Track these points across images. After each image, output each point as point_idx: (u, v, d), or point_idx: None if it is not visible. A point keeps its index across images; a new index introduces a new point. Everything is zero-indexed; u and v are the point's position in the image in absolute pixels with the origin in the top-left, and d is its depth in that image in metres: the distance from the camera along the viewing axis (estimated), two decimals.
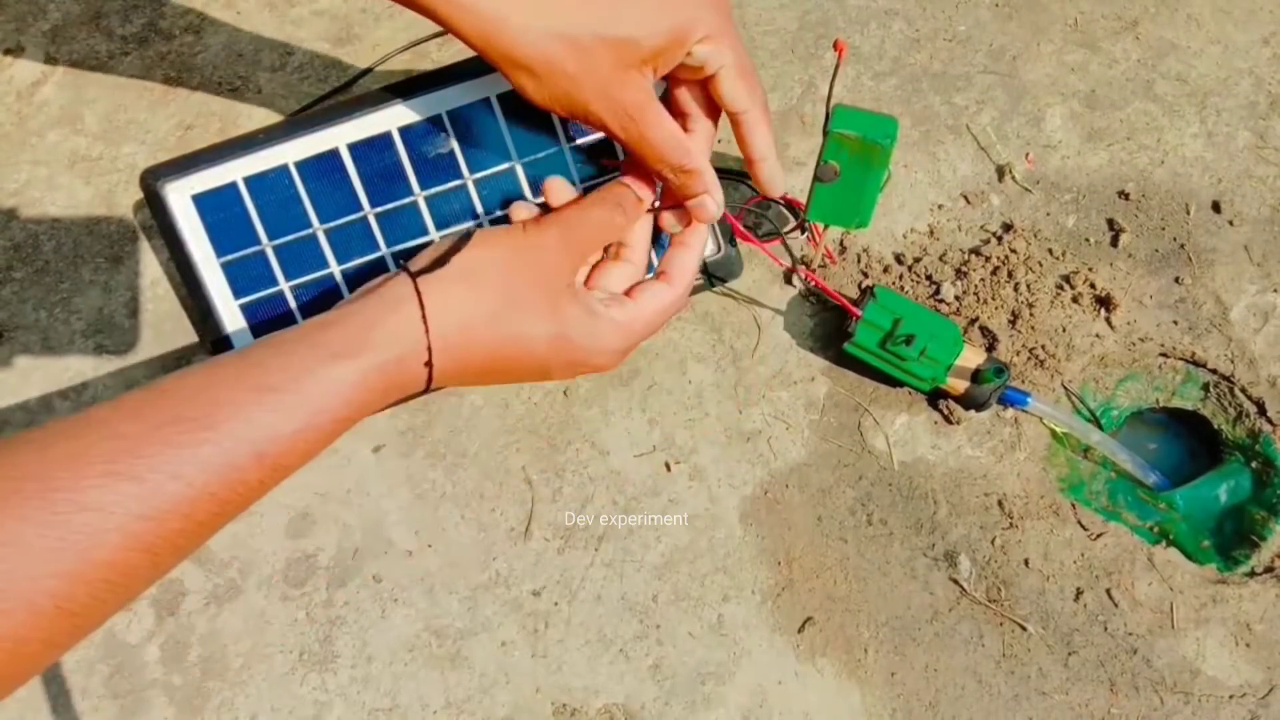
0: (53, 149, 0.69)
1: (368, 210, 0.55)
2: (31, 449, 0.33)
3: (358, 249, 0.55)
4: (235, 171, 0.53)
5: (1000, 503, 0.60)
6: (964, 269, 0.64)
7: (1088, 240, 0.66)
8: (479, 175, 0.55)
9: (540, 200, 0.52)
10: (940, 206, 0.67)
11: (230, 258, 0.54)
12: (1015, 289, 0.63)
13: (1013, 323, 0.63)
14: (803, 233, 0.64)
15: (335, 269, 0.55)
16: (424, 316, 0.40)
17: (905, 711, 0.56)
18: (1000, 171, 0.68)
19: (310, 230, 0.54)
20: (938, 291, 0.64)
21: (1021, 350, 0.62)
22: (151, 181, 0.52)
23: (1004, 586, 0.58)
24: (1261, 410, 0.62)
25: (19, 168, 0.68)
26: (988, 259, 0.64)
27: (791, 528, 0.60)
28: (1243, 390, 0.62)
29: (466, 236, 0.44)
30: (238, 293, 0.55)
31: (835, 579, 0.59)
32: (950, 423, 0.61)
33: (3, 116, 0.70)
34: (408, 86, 0.53)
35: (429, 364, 0.41)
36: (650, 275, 0.51)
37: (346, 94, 0.70)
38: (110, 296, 0.65)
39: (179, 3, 0.73)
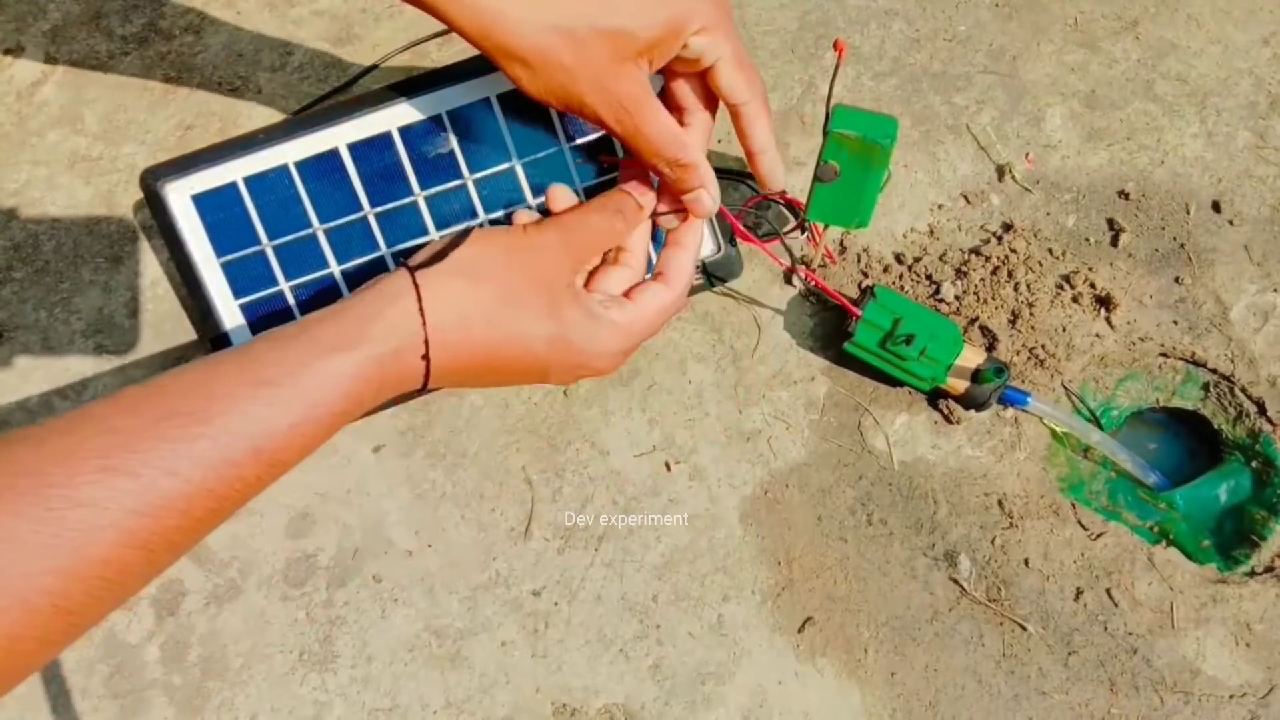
0: (53, 149, 0.69)
1: (368, 210, 0.55)
2: (26, 445, 0.33)
3: (358, 249, 0.55)
4: (235, 171, 0.53)
5: (1000, 503, 0.60)
6: (964, 269, 0.64)
7: (1088, 240, 0.66)
8: (479, 175, 0.55)
9: (540, 201, 0.52)
10: (940, 206, 0.67)
11: (230, 258, 0.54)
12: (1015, 289, 0.63)
13: (1013, 323, 0.63)
14: (803, 233, 0.64)
15: (335, 269, 0.55)
16: (421, 309, 0.40)
17: (905, 711, 0.56)
18: (1000, 171, 0.68)
19: (310, 230, 0.54)
20: (938, 291, 0.64)
21: (1021, 350, 0.62)
22: (151, 181, 0.52)
23: (1004, 586, 0.58)
24: (1261, 410, 0.62)
25: (19, 168, 0.68)
26: (988, 259, 0.64)
27: (791, 528, 0.60)
28: (1243, 390, 0.62)
29: (465, 233, 0.44)
30: (238, 293, 0.55)
31: (835, 579, 0.59)
32: (950, 423, 0.61)
33: (3, 116, 0.70)
34: (408, 86, 0.53)
35: (426, 357, 0.40)
36: (648, 276, 0.51)
37: (346, 94, 0.70)
38: (110, 296, 0.65)
39: (179, 3, 0.73)
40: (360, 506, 0.61)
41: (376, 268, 0.55)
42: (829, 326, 0.64)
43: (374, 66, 0.70)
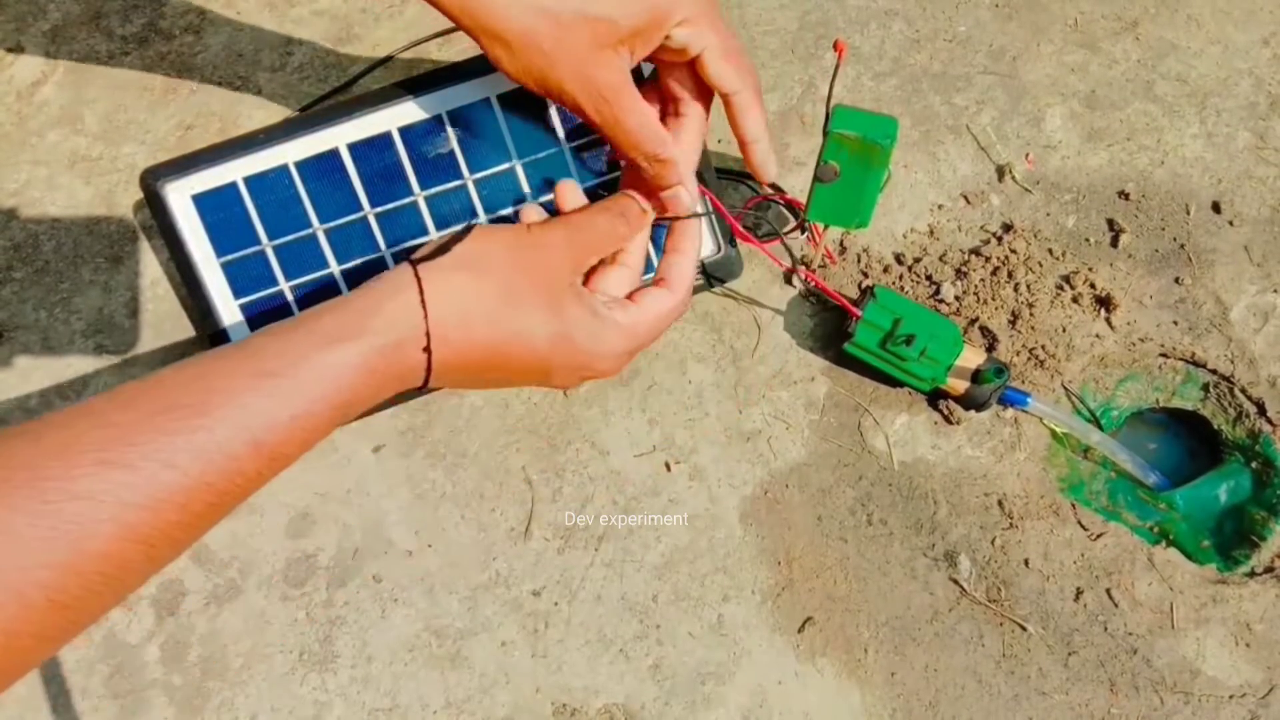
0: (53, 149, 0.69)
1: (368, 210, 0.55)
2: (23, 440, 0.32)
3: (358, 249, 0.55)
4: (235, 171, 0.53)
5: (1000, 503, 0.60)
6: (964, 269, 0.64)
7: (1088, 240, 0.66)
8: (479, 175, 0.55)
9: (547, 199, 0.52)
10: (940, 206, 0.67)
11: (230, 257, 0.54)
12: (1015, 289, 0.63)
13: (1013, 323, 0.63)
14: (803, 233, 0.64)
15: (335, 269, 0.55)
16: (423, 302, 0.40)
17: (905, 711, 0.56)
18: (1000, 171, 0.68)
19: (310, 230, 0.54)
20: (938, 291, 0.64)
21: (1021, 350, 0.62)
22: (151, 181, 0.52)
23: (1004, 586, 0.58)
24: (1261, 410, 0.62)
25: (19, 168, 0.68)
26: (988, 259, 0.64)
27: (791, 528, 0.60)
28: (1243, 390, 0.62)
29: (467, 229, 0.43)
30: (238, 292, 0.55)
31: (835, 579, 0.59)
32: (950, 423, 0.61)
33: (3, 116, 0.70)
34: (408, 86, 0.53)
35: (427, 350, 0.40)
36: (649, 278, 0.51)
37: (346, 94, 0.70)
38: (110, 296, 0.65)
39: (179, 3, 0.73)
40: (360, 506, 0.61)
41: (376, 268, 0.55)
42: (829, 326, 0.64)
43: (374, 66, 0.70)
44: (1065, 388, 0.63)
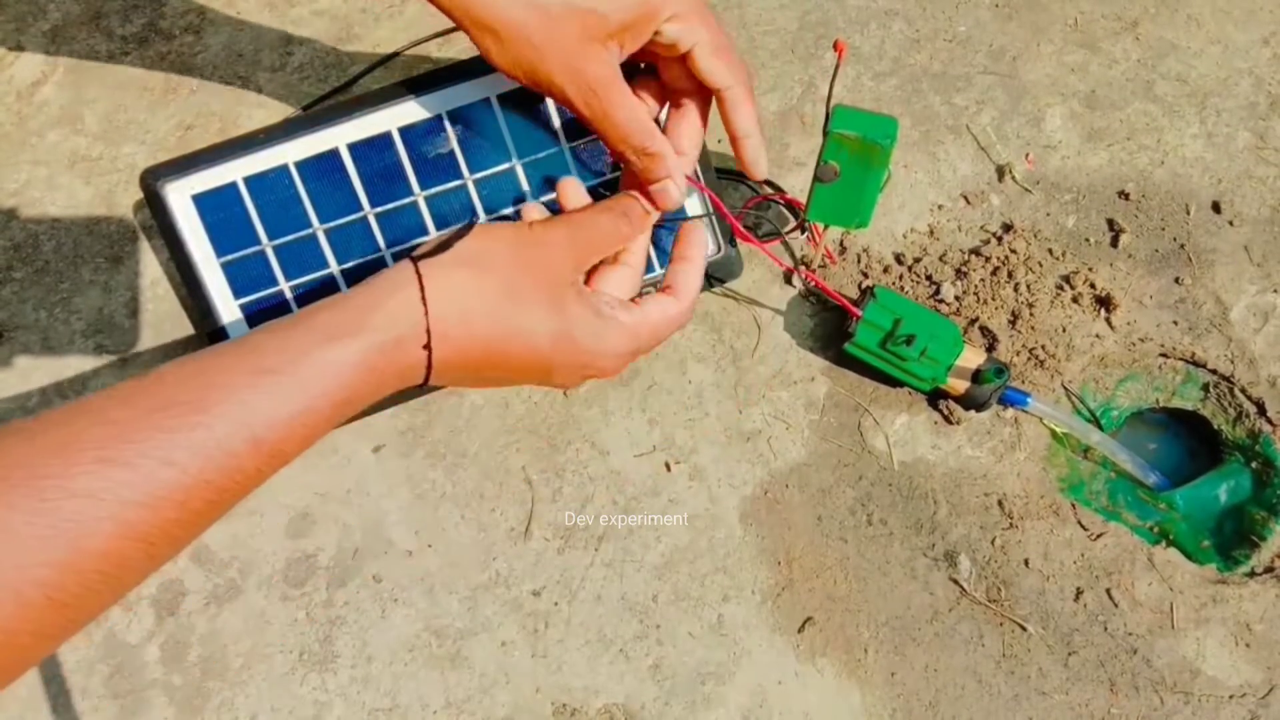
0: (53, 149, 0.69)
1: (368, 210, 0.55)
2: (21, 437, 0.32)
3: (358, 249, 0.55)
4: (235, 171, 0.53)
5: (1000, 503, 0.60)
6: (964, 269, 0.64)
7: (1088, 240, 0.66)
8: (479, 175, 0.55)
9: (550, 198, 0.52)
10: (940, 206, 0.67)
11: (230, 258, 0.54)
12: (1015, 289, 0.63)
13: (1013, 323, 0.63)
14: (803, 233, 0.64)
15: (335, 269, 0.55)
16: (424, 299, 0.39)
17: (905, 711, 0.56)
18: (1000, 171, 0.68)
19: (310, 230, 0.54)
20: (938, 291, 0.64)
21: (1021, 350, 0.62)
22: (151, 181, 0.52)
23: (1004, 586, 0.58)
24: (1261, 410, 0.62)
25: (19, 168, 0.68)
26: (988, 259, 0.64)
27: (791, 528, 0.60)
28: (1243, 390, 0.62)
29: (469, 226, 0.43)
30: (238, 292, 0.55)
31: (835, 579, 0.59)
32: (950, 423, 0.61)
33: (3, 116, 0.70)
34: (408, 86, 0.53)
35: (428, 347, 0.40)
36: (649, 278, 0.51)
37: (346, 94, 0.70)
38: (110, 296, 0.65)
39: (179, 3, 0.73)
40: (360, 506, 0.61)
41: (376, 268, 0.55)
42: (829, 326, 0.64)
43: (374, 66, 0.70)
44: (1065, 388, 0.63)
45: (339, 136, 0.53)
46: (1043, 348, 0.62)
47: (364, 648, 0.58)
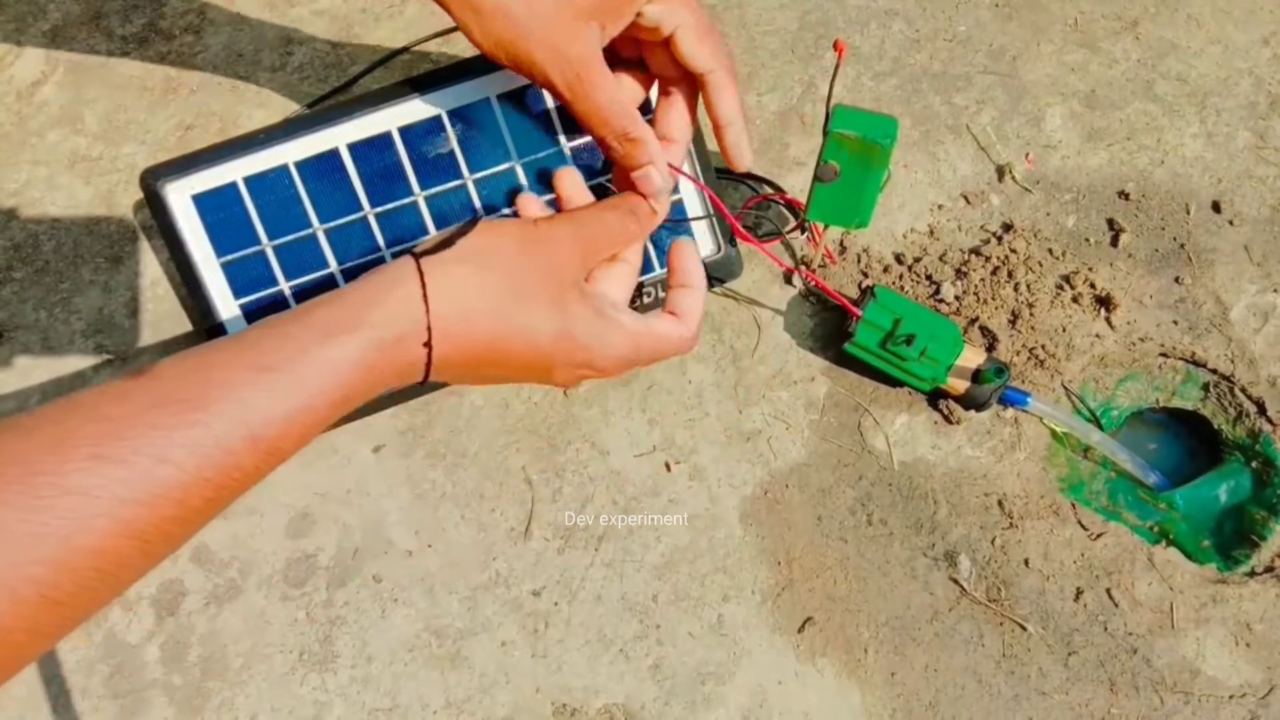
0: (53, 149, 0.69)
1: (368, 210, 0.55)
2: (14, 434, 0.32)
3: (358, 249, 0.55)
4: (235, 171, 0.53)
5: (1000, 503, 0.60)
6: (964, 269, 0.64)
7: (1088, 240, 0.66)
8: (479, 175, 0.55)
9: (550, 198, 0.52)
10: (940, 206, 0.67)
11: (230, 258, 0.54)
12: (1015, 289, 0.63)
13: (1013, 323, 0.63)
14: (803, 233, 0.64)
15: (335, 269, 0.55)
16: (425, 295, 0.39)
17: (905, 711, 0.56)
18: (1000, 171, 0.68)
19: (310, 230, 0.54)
20: (938, 291, 0.64)
21: (1021, 350, 0.62)
22: (151, 181, 0.52)
23: (1004, 586, 0.58)
24: (1261, 410, 0.62)
25: (19, 168, 0.68)
26: (988, 259, 0.64)
27: (791, 528, 0.60)
28: (1243, 390, 0.62)
29: (472, 223, 0.43)
30: (238, 293, 0.55)
31: (835, 579, 0.59)
32: (950, 423, 0.61)
33: (3, 116, 0.70)
34: (408, 86, 0.53)
35: (428, 345, 0.39)
36: (649, 277, 0.51)
37: (346, 94, 0.70)
38: (110, 296, 0.65)
39: (179, 3, 0.73)
40: (360, 506, 0.61)
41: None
42: (829, 326, 0.64)
43: (374, 66, 0.70)
44: (1065, 388, 0.63)
45: (339, 136, 0.53)
46: (1043, 348, 0.62)
47: (364, 648, 0.58)
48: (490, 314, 0.41)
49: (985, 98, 0.70)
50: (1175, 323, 0.64)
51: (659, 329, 0.47)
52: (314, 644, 0.58)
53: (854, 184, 0.54)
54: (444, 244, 0.41)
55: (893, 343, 0.57)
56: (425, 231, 0.55)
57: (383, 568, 0.59)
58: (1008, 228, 0.66)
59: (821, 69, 0.71)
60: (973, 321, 0.63)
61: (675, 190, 0.58)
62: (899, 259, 0.65)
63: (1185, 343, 0.63)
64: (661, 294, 0.59)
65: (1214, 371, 0.63)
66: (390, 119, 0.54)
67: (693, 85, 0.48)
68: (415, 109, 0.54)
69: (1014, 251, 0.64)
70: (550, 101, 0.55)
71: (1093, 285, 0.64)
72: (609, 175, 0.57)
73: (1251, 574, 0.59)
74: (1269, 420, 0.61)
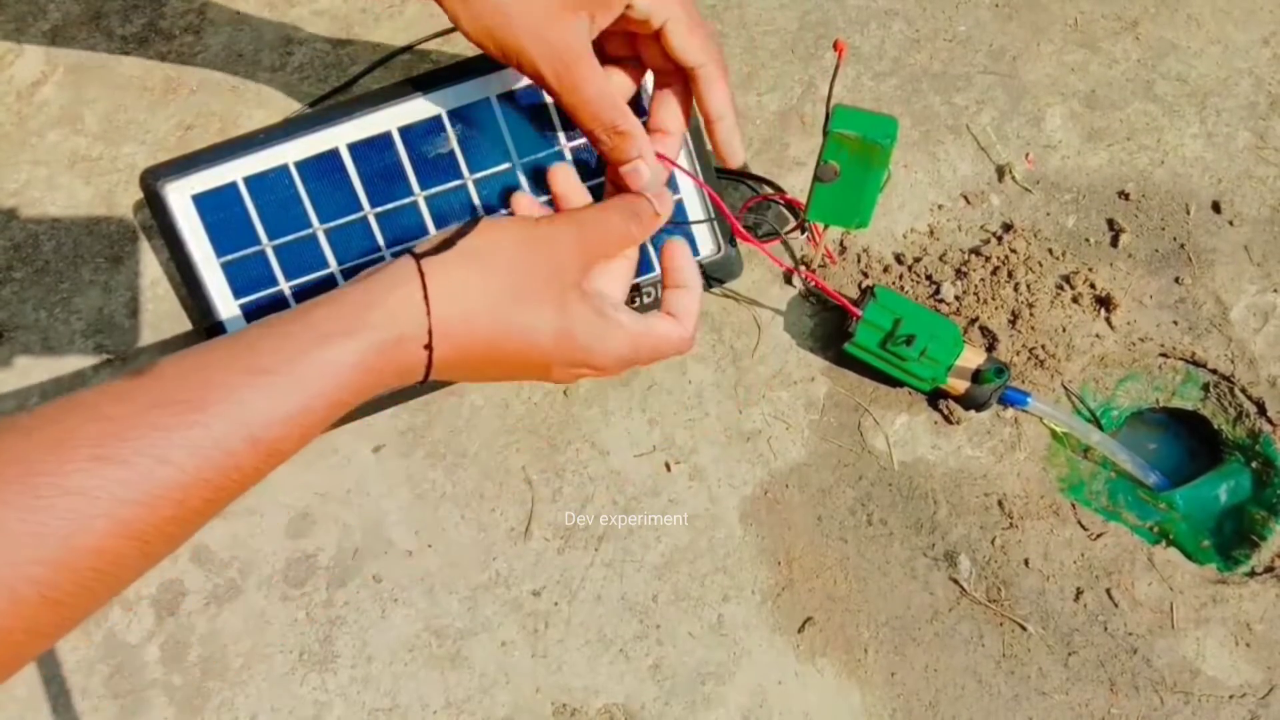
0: (53, 149, 0.69)
1: (368, 210, 0.55)
2: (14, 433, 0.32)
3: (358, 249, 0.55)
4: (235, 171, 0.53)
5: (1000, 503, 0.60)
6: (964, 269, 0.64)
7: (1088, 240, 0.66)
8: (479, 175, 0.55)
9: (545, 199, 0.51)
10: (940, 206, 0.67)
11: (230, 258, 0.54)
12: (1015, 289, 0.63)
13: (1013, 323, 0.63)
14: (803, 233, 0.64)
15: (335, 269, 0.55)
16: (426, 297, 0.39)
17: (905, 711, 0.56)
18: (1000, 171, 0.68)
19: (310, 230, 0.54)
20: (938, 291, 0.64)
21: (1021, 350, 0.62)
22: (151, 181, 0.52)
23: (1004, 586, 0.58)
24: (1261, 410, 0.62)
25: (19, 168, 0.68)
26: (988, 259, 0.64)
27: (791, 528, 0.60)
28: (1243, 390, 0.62)
29: (473, 222, 0.42)
30: (238, 293, 0.55)
31: (835, 579, 0.59)
32: (950, 423, 0.61)
33: (3, 116, 0.70)
34: (408, 86, 0.53)
35: (429, 347, 0.39)
36: (647, 278, 0.51)
37: (346, 94, 0.70)
38: (110, 296, 0.65)
39: (179, 3, 0.73)
40: (360, 506, 0.61)
41: None
42: (829, 326, 0.64)
43: (374, 66, 0.70)
44: (1065, 388, 0.63)
45: (339, 136, 0.53)
46: (1043, 348, 0.62)
47: (364, 648, 0.58)
48: (491, 314, 0.41)
49: (985, 98, 0.70)
50: (1175, 323, 0.64)
51: (658, 330, 0.46)
52: (314, 644, 0.58)
53: (854, 184, 0.54)
54: (445, 244, 0.41)
55: (893, 343, 0.57)
56: (425, 231, 0.55)
57: (383, 568, 0.59)
58: (1008, 228, 0.66)
59: (821, 69, 0.71)
60: (973, 321, 0.63)
61: (675, 190, 0.58)
62: (899, 259, 0.65)
63: (1185, 343, 0.63)
64: (659, 294, 0.59)
65: (1214, 371, 0.63)
66: (390, 119, 0.54)
67: (686, 80, 0.48)
68: (415, 109, 0.54)
69: (1014, 251, 0.64)
70: (552, 103, 0.55)
71: (1093, 285, 0.64)
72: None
73: (1251, 574, 0.59)
74: (1269, 420, 0.61)
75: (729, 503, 0.60)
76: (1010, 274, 0.63)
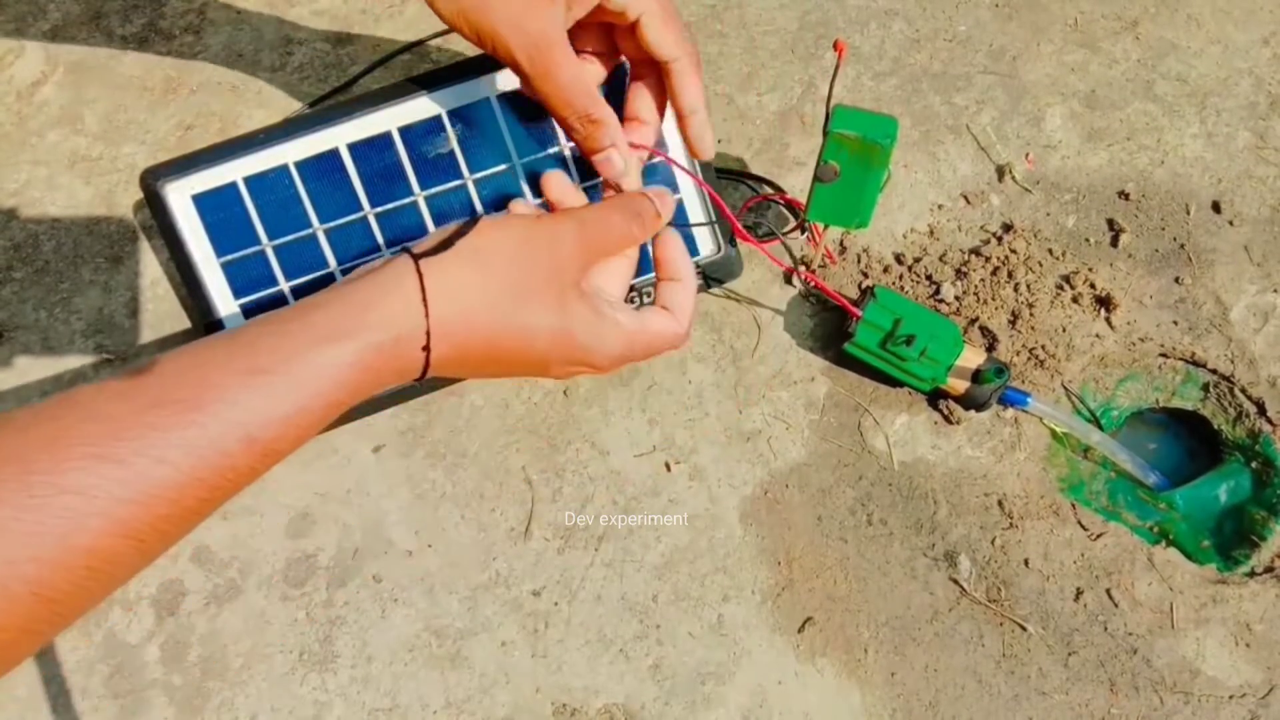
0: (53, 149, 0.69)
1: (368, 210, 0.55)
2: (11, 431, 0.32)
3: (358, 249, 0.55)
4: (235, 171, 0.53)
5: (1000, 503, 0.60)
6: (964, 269, 0.64)
7: (1088, 240, 0.66)
8: (479, 175, 0.55)
9: (541, 201, 0.51)
10: (940, 206, 0.67)
11: (230, 258, 0.54)
12: (1015, 289, 0.63)
13: (1013, 323, 0.63)
14: (803, 233, 0.64)
15: (335, 269, 0.55)
16: (424, 299, 0.39)
17: (905, 711, 0.56)
18: (1000, 171, 0.68)
19: (310, 230, 0.54)
20: (938, 291, 0.64)
21: (1021, 350, 0.62)
22: (151, 181, 0.52)
23: (1004, 586, 0.58)
24: (1261, 410, 0.62)
25: (19, 168, 0.68)
26: (988, 259, 0.64)
27: (791, 528, 0.60)
28: (1243, 390, 0.62)
29: (474, 221, 0.42)
30: (238, 293, 0.55)
31: (835, 579, 0.59)
32: (950, 423, 0.61)
33: (3, 116, 0.70)
34: (408, 86, 0.53)
35: (427, 348, 0.39)
36: (644, 279, 0.51)
37: (346, 94, 0.70)
38: (110, 296, 0.65)
39: (179, 3, 0.73)
40: (360, 506, 0.61)
41: None
42: (829, 326, 0.64)
43: (374, 66, 0.70)
44: (1065, 388, 0.63)
45: (339, 136, 0.53)
46: (1043, 348, 0.62)
47: (364, 648, 0.58)
48: (489, 313, 0.41)
49: (985, 98, 0.70)
50: (1175, 323, 0.64)
51: (653, 326, 0.47)
52: (314, 644, 0.58)
53: (854, 184, 0.54)
54: (444, 244, 0.41)
55: (893, 343, 0.57)
56: (425, 231, 0.55)
57: (383, 568, 0.59)
58: (1008, 228, 0.66)
59: (821, 69, 0.71)
60: (973, 321, 0.63)
61: (675, 190, 0.58)
62: (899, 259, 0.65)
63: (1185, 343, 0.63)
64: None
65: (1214, 371, 0.63)
66: (390, 119, 0.54)
67: (658, 75, 0.48)
68: (415, 109, 0.54)
69: (1014, 251, 0.64)
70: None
71: (1093, 285, 0.64)
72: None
73: (1251, 574, 0.59)
74: (1269, 420, 0.61)
75: (729, 503, 0.60)
76: (1010, 274, 0.63)
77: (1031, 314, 0.63)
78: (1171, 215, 0.66)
